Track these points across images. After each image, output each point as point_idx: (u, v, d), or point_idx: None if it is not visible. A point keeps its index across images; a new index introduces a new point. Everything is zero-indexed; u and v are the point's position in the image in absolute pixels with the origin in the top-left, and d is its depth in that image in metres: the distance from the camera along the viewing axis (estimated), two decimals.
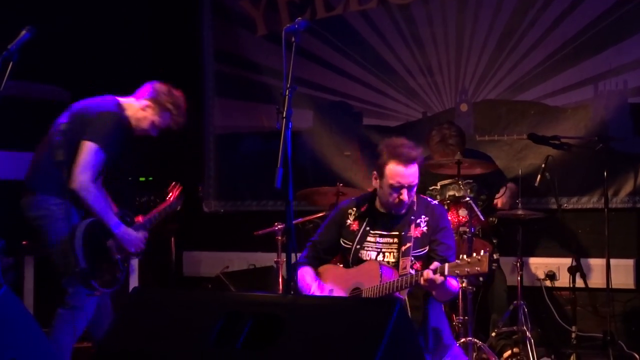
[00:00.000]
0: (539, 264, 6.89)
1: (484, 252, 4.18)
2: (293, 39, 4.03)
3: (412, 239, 4.53)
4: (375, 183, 4.65)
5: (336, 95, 7.77)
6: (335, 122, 7.78)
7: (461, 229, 5.65)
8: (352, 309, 2.92)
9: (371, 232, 4.65)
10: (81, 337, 5.44)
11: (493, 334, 5.95)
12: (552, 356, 6.12)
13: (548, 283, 6.82)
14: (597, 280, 6.44)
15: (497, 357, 5.70)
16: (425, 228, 4.61)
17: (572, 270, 6.24)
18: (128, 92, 7.85)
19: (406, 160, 4.49)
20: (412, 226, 4.57)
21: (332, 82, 7.76)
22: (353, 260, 4.65)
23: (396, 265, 4.53)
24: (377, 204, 4.71)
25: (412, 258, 4.50)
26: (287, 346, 2.78)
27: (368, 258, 4.61)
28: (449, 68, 7.29)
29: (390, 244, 4.62)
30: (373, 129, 7.59)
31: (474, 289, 5.67)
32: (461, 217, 5.78)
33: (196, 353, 2.89)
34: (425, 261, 4.57)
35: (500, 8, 7.05)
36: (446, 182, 6.42)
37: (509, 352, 5.99)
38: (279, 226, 6.44)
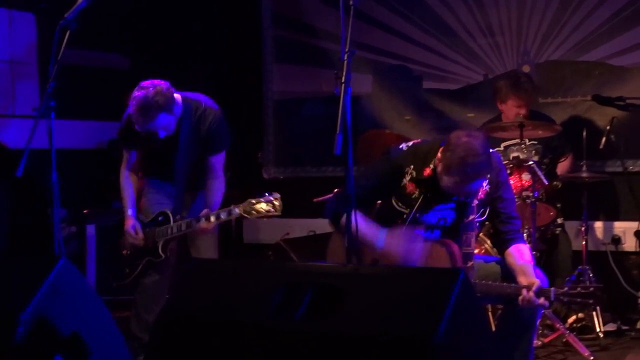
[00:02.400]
0: (604, 228, 6.77)
1: (596, 286, 4.02)
2: (351, 2, 3.95)
3: (476, 208, 4.33)
4: (438, 165, 4.21)
5: (395, 59, 7.66)
6: (395, 86, 7.68)
7: (524, 193, 5.55)
8: (413, 279, 2.87)
9: (433, 198, 4.35)
10: (122, 305, 5.53)
11: None
12: (618, 322, 6.02)
13: (613, 247, 6.70)
14: None
15: (561, 322, 5.62)
16: (488, 187, 4.33)
17: (639, 234, 6.12)
18: (186, 59, 7.91)
19: (465, 180, 4.12)
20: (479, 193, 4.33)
21: (391, 46, 7.65)
22: (408, 227, 4.37)
23: (457, 235, 4.35)
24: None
25: (477, 232, 4.35)
26: (347, 317, 2.75)
27: (427, 224, 4.39)
28: (511, 28, 7.14)
29: (452, 208, 4.38)
30: (433, 92, 7.48)
31: (539, 253, 5.58)
32: (524, 181, 5.66)
33: (255, 323, 2.87)
34: (487, 220, 4.43)
35: None
36: (510, 142, 6.29)
37: (573, 317, 5.93)
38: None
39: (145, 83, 5.08)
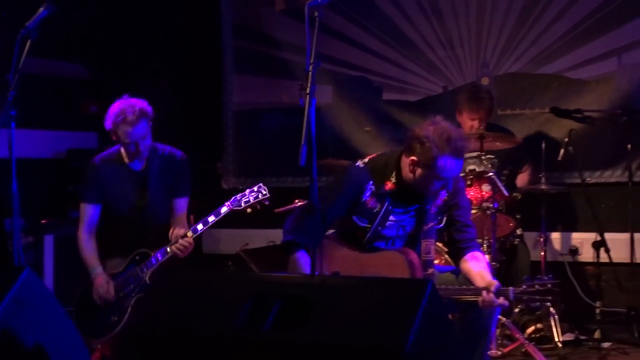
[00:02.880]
0: (562, 239, 6.84)
1: (553, 282, 4.07)
2: (316, 14, 3.97)
3: (434, 215, 4.38)
4: (411, 170, 4.25)
5: (355, 70, 7.69)
6: (355, 98, 7.71)
7: (484, 204, 5.60)
8: (382, 289, 2.88)
9: (394, 210, 4.41)
10: None
11: (516, 310, 5.90)
12: (576, 332, 6.08)
13: (571, 258, 6.77)
14: (620, 254, 6.37)
15: (520, 332, 5.67)
16: (446, 194, 4.41)
17: (596, 245, 6.20)
18: (146, 69, 7.87)
19: (460, 154, 4.20)
20: (436, 200, 4.39)
21: (352, 57, 7.68)
22: (369, 240, 4.45)
23: (416, 244, 4.40)
24: (401, 180, 4.38)
25: (435, 239, 4.39)
26: (317, 327, 2.75)
27: (388, 236, 4.44)
28: (470, 41, 7.21)
29: (411, 216, 4.44)
30: (393, 103, 7.52)
31: (498, 264, 5.62)
32: (484, 193, 5.71)
33: (224, 334, 2.86)
34: (444, 229, 4.46)
35: None
36: (467, 155, 6.33)
37: (532, 328, 5.97)
38: (300, 203, 6.39)
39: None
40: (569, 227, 6.88)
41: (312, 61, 3.87)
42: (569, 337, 6.01)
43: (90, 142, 7.52)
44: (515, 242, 6.18)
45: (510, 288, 4.07)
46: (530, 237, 6.40)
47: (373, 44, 7.59)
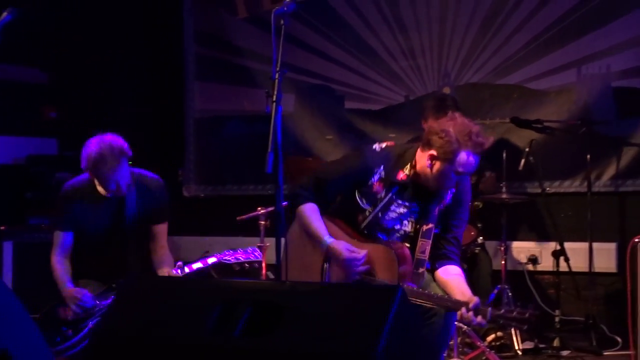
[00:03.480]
0: (522, 248, 6.90)
1: (532, 312, 3.99)
2: (282, 22, 3.99)
3: (436, 218, 4.37)
4: (429, 164, 4.23)
5: (318, 79, 7.72)
6: (317, 106, 7.74)
7: None
8: (353, 295, 2.88)
9: (398, 200, 4.39)
10: None
11: None
12: (536, 340, 6.12)
13: (530, 267, 6.83)
14: (579, 264, 6.43)
15: (481, 340, 5.71)
16: (450, 201, 4.41)
17: (556, 254, 6.25)
18: (106, 75, 7.82)
19: (480, 149, 4.20)
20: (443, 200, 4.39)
21: (314, 66, 7.71)
22: (368, 226, 4.41)
23: (413, 243, 4.38)
24: (414, 174, 4.40)
25: (431, 242, 4.35)
26: (287, 334, 2.74)
27: (386, 227, 4.42)
28: (432, 51, 7.27)
29: (413, 212, 4.42)
30: (355, 112, 7.56)
31: None
32: None
33: (194, 341, 2.85)
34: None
35: None
36: None
37: (492, 336, 6.00)
38: (262, 210, 6.37)
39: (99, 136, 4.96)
40: (529, 236, 6.95)
41: (278, 69, 3.88)
42: (529, 345, 6.05)
43: (50, 148, 7.45)
44: (477, 251, 6.21)
45: (489, 309, 4.02)
46: (491, 245, 6.45)
47: (336, 53, 7.62)
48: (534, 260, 6.82)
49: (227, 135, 8.06)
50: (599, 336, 6.16)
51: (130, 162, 4.99)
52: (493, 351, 5.68)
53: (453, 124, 4.21)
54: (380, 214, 4.39)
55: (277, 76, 3.91)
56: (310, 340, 2.72)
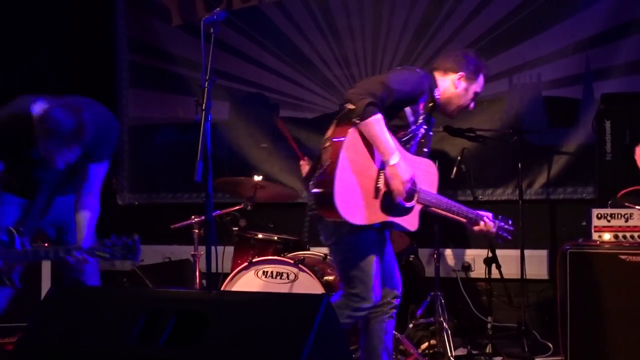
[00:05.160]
0: (454, 255, 6.96)
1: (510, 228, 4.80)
2: (212, 30, 3.98)
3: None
4: (459, 84, 4.66)
5: (252, 87, 7.72)
6: (252, 114, 7.73)
7: None
8: (278, 305, 2.87)
9: (424, 126, 4.58)
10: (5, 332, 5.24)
11: (411, 325, 5.98)
12: (468, 346, 6.16)
13: (464, 274, 6.90)
14: (511, 271, 6.50)
15: (415, 347, 5.74)
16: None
17: (487, 262, 6.31)
18: (37, 81, 7.71)
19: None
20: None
21: (248, 74, 7.71)
22: (407, 141, 4.52)
23: None
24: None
25: None
26: (212, 343, 2.73)
27: (418, 145, 4.60)
28: (366, 59, 7.30)
29: (421, 136, 4.62)
30: (290, 120, 7.55)
31: None
32: None
33: (118, 351, 2.82)
34: None
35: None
36: None
37: (426, 344, 6.03)
38: (196, 219, 6.33)
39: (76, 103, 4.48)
40: (461, 243, 7.01)
41: (207, 77, 3.88)
42: (462, 352, 6.10)
43: None
44: (410, 259, 6.25)
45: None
46: (424, 253, 6.49)
47: (270, 61, 7.62)
48: (466, 267, 6.89)
49: (161, 143, 8.02)
50: (530, 342, 6.21)
51: None
52: (427, 358, 5.71)
53: (468, 51, 4.82)
54: (415, 130, 4.52)
55: (206, 84, 3.88)
56: (235, 350, 2.71)
